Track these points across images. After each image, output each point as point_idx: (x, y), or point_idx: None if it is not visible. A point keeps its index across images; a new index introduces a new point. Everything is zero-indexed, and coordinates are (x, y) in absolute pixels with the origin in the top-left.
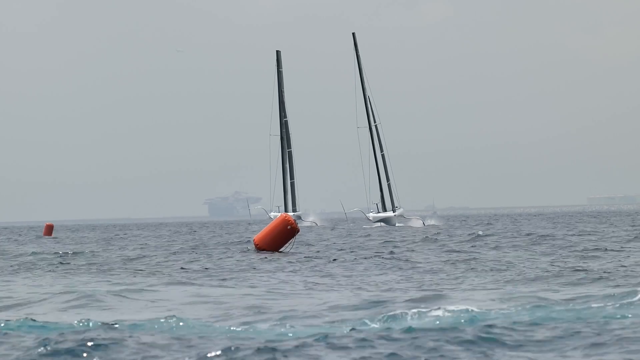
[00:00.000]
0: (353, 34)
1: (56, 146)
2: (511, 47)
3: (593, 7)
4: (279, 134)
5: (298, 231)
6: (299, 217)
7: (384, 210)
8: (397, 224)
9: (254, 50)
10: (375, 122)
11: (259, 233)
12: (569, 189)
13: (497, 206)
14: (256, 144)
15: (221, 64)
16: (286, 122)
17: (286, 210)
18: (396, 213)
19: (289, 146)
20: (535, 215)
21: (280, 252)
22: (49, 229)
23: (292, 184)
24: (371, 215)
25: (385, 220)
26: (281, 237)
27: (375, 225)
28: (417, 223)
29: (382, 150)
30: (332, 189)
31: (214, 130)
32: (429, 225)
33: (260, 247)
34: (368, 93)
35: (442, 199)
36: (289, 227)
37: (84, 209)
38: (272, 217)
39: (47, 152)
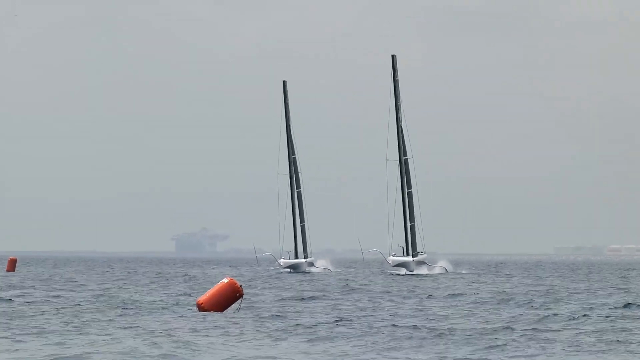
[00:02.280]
0: (392, 56)
1: (24, 167)
2: (469, 89)
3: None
4: (288, 172)
5: (242, 295)
6: (312, 264)
7: (409, 253)
8: (414, 271)
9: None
10: (405, 155)
11: (205, 295)
12: (535, 237)
13: (463, 252)
14: (227, 180)
15: (222, 95)
16: (294, 159)
17: (297, 256)
18: (416, 258)
19: (298, 186)
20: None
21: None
22: (12, 264)
23: (303, 227)
24: (391, 258)
25: (403, 265)
26: (227, 301)
27: (394, 272)
28: (440, 271)
29: (409, 188)
30: (351, 227)
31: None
32: (456, 272)
33: (205, 309)
34: (402, 123)
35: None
36: (237, 294)
37: (48, 240)
38: (281, 263)
39: (16, 171)
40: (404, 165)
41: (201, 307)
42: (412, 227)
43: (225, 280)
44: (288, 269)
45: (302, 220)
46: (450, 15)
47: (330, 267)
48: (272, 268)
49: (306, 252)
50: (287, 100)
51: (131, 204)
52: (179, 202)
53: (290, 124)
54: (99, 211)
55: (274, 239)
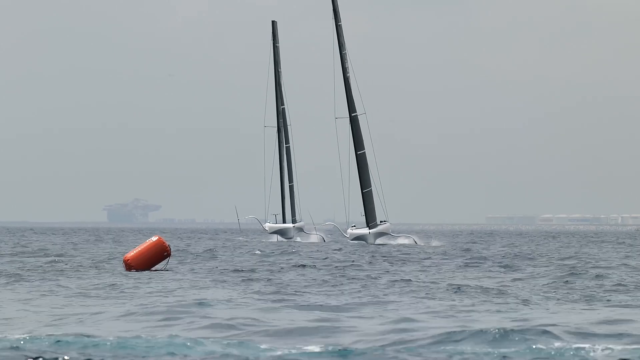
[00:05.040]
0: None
1: None
2: (418, 62)
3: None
4: (276, 125)
5: (170, 255)
6: (301, 229)
7: (367, 224)
8: (375, 242)
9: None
10: (355, 111)
11: (133, 252)
12: (466, 207)
13: (396, 222)
14: (161, 146)
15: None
16: (284, 110)
17: (284, 220)
18: (372, 230)
19: (287, 141)
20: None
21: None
22: None
23: (291, 188)
24: (349, 231)
25: (361, 237)
26: (155, 260)
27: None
28: (407, 240)
29: (360, 149)
30: (301, 198)
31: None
32: (432, 245)
33: (133, 267)
34: (349, 74)
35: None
36: (165, 253)
37: None
38: (267, 228)
39: None
40: (354, 124)
41: (128, 265)
42: (368, 194)
43: (154, 238)
44: (275, 235)
45: (290, 179)
46: None
47: (324, 236)
48: (239, 238)
49: (294, 217)
50: (277, 42)
51: (62, 172)
52: (112, 172)
53: (280, 69)
54: (29, 179)
55: (257, 202)
